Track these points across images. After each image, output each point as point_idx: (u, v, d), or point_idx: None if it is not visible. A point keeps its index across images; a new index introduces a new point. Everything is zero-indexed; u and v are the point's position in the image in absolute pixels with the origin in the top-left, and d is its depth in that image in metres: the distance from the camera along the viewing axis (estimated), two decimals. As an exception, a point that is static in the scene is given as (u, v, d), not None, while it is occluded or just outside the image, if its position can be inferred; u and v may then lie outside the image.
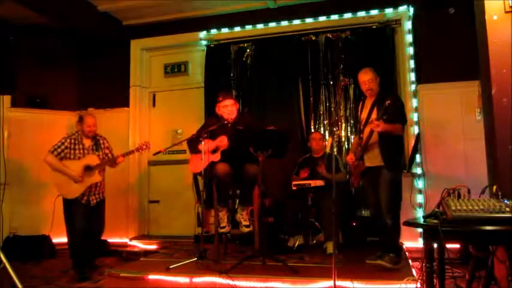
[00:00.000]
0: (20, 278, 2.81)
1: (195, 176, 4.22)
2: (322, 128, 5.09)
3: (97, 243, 4.41)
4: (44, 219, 5.51)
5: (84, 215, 4.03)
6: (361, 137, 3.48)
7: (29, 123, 5.62)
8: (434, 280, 2.22)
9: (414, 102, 4.82)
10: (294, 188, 4.27)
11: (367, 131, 3.39)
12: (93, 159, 4.05)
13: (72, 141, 4.10)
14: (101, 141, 4.22)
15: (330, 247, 3.85)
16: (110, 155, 4.20)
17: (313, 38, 5.24)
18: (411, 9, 4.95)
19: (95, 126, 4.15)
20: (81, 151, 4.09)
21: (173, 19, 5.71)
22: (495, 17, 2.64)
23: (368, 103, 3.53)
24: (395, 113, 3.29)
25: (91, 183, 4.03)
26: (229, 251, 4.09)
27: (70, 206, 4.07)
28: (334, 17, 5.19)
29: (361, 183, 3.64)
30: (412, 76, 4.88)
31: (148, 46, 5.98)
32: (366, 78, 3.46)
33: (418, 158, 4.69)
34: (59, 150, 4.04)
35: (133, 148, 4.25)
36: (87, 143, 4.14)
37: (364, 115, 3.52)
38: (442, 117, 4.73)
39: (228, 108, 3.91)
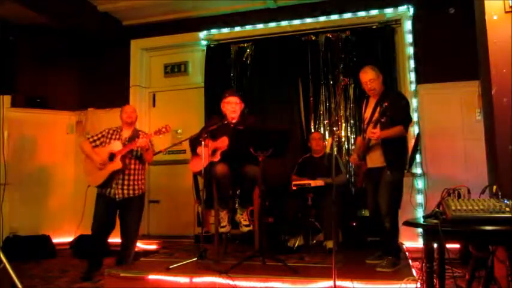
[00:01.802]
0: (20, 278, 2.81)
1: (195, 175, 4.21)
2: (322, 128, 5.09)
3: (126, 247, 4.04)
4: (44, 219, 5.53)
5: (103, 210, 3.90)
6: (364, 137, 3.44)
7: (29, 123, 5.63)
8: (434, 280, 2.22)
9: (414, 102, 4.81)
10: (294, 188, 4.27)
11: (366, 138, 3.35)
12: (117, 146, 3.90)
13: (111, 131, 4.03)
14: (141, 136, 3.96)
15: (329, 243, 3.86)
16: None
17: (313, 38, 5.24)
18: (411, 9, 4.95)
19: (133, 113, 4.07)
20: (117, 140, 3.97)
21: (173, 19, 5.72)
22: (495, 17, 2.64)
23: (372, 102, 3.46)
24: (396, 114, 3.22)
25: (113, 170, 3.83)
26: (229, 251, 4.09)
27: (96, 198, 3.96)
28: (334, 17, 5.19)
29: (364, 184, 3.61)
30: (412, 76, 4.88)
31: (148, 46, 5.98)
32: (367, 78, 3.38)
33: (418, 158, 4.69)
34: (95, 137, 4.00)
35: (152, 131, 3.93)
36: (126, 133, 4.02)
37: (367, 114, 3.46)
38: (442, 117, 4.74)
39: (231, 106, 3.89)
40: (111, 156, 3.86)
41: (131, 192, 3.94)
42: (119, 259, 4.00)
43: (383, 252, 3.34)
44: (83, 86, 6.07)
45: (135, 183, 3.96)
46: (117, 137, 4.00)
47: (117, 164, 3.82)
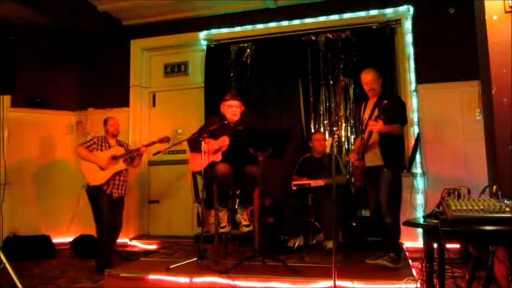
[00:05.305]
0: (20, 278, 2.82)
1: (194, 175, 4.21)
2: (322, 128, 5.09)
3: (115, 239, 4.46)
4: (44, 219, 5.53)
5: (109, 207, 4.23)
6: (363, 138, 3.50)
7: (29, 123, 5.63)
8: (434, 280, 2.22)
9: (414, 102, 4.81)
10: (294, 188, 4.27)
11: (367, 131, 3.40)
12: (119, 150, 4.36)
13: (100, 140, 4.39)
14: (124, 145, 4.55)
15: (329, 243, 3.86)
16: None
17: (313, 38, 5.23)
18: (411, 9, 4.95)
19: (118, 126, 4.50)
20: (108, 148, 4.37)
21: (173, 19, 5.72)
22: (495, 17, 2.64)
23: (370, 103, 3.55)
24: (393, 113, 3.31)
25: (116, 171, 4.26)
26: (229, 251, 4.09)
27: (96, 197, 4.22)
28: (334, 17, 5.18)
29: (362, 183, 3.64)
30: (412, 76, 4.88)
31: (148, 46, 5.98)
32: (368, 78, 3.50)
33: (418, 158, 4.69)
34: (88, 144, 4.33)
35: (156, 139, 4.35)
36: (113, 142, 4.43)
37: (366, 115, 3.53)
38: (442, 117, 4.73)
39: (232, 109, 3.90)
40: (113, 158, 4.28)
41: (122, 192, 4.37)
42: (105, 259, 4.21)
43: (384, 251, 3.35)
44: (83, 86, 6.07)
45: (124, 184, 4.40)
46: (107, 144, 4.38)
47: (121, 165, 4.29)
